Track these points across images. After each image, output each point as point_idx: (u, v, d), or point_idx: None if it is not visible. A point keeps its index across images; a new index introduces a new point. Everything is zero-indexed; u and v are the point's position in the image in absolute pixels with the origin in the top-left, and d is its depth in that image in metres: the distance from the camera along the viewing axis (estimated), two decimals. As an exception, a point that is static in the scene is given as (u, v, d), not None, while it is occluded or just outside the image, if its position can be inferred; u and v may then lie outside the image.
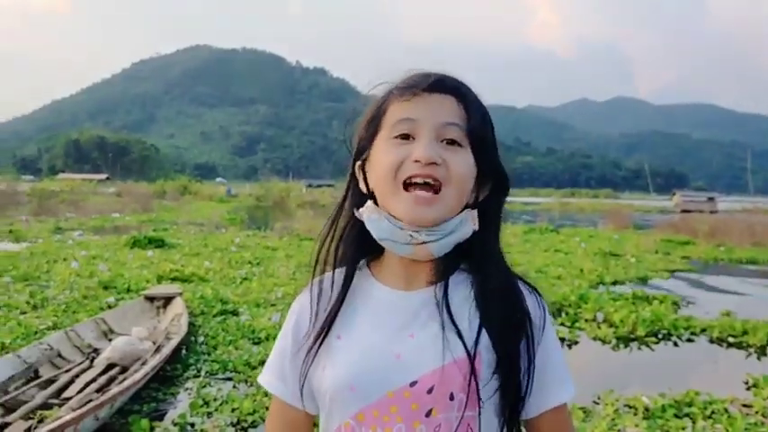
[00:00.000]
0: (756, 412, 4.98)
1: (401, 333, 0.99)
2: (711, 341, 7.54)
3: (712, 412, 4.91)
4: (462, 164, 0.98)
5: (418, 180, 0.95)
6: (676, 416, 4.85)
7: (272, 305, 8.54)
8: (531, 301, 1.04)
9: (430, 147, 0.96)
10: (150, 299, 7.68)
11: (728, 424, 4.63)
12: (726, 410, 4.95)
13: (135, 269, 11.34)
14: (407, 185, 0.96)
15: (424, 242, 0.97)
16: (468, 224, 1.01)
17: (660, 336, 7.63)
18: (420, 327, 0.99)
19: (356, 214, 1.05)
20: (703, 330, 7.80)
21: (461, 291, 1.02)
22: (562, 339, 7.25)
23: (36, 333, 6.73)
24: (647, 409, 4.94)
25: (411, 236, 0.97)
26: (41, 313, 7.77)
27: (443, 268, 1.03)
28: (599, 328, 7.71)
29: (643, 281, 11.98)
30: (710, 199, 55.78)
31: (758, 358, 6.95)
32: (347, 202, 1.10)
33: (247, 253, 14.26)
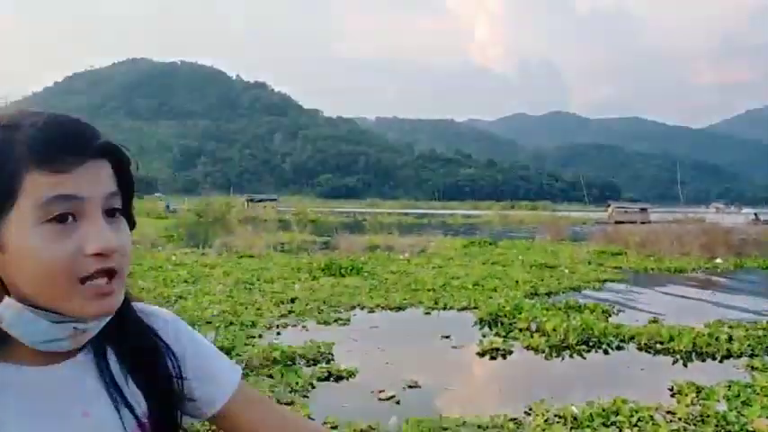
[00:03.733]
0: (680, 419, 5.14)
1: (71, 414, 0.86)
2: (640, 348, 7.78)
3: (638, 420, 5.05)
4: (129, 239, 0.86)
5: (100, 274, 0.81)
6: (604, 424, 4.97)
7: (208, 323, 8.37)
8: (160, 325, 0.99)
9: (106, 233, 0.80)
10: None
11: (653, 431, 4.78)
12: (651, 418, 5.09)
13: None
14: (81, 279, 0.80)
15: (85, 330, 0.84)
16: (121, 294, 0.88)
17: (591, 344, 7.83)
18: (88, 402, 0.88)
19: None
20: (632, 338, 8.04)
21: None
22: (496, 350, 7.37)
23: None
24: (575, 419, 5.05)
25: (75, 328, 0.83)
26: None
27: None
28: (532, 337, 7.85)
29: (576, 291, 12.30)
30: (643, 210, 57.70)
31: (684, 364, 7.20)
32: None
33: (184, 271, 13.94)
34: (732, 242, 21.86)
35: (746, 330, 8.30)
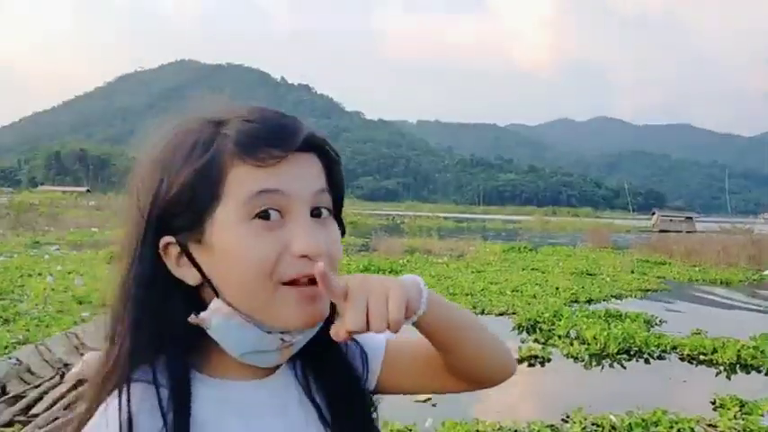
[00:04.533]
0: None
1: None
2: (682, 359, 7.65)
3: (679, 431, 4.98)
4: (338, 240, 0.80)
5: (303, 280, 0.74)
6: (642, 434, 4.92)
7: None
8: (357, 361, 0.92)
9: (313, 233, 0.75)
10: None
11: (693, 442, 4.71)
12: (692, 430, 5.02)
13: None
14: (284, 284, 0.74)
15: (292, 343, 0.79)
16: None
17: (632, 353, 7.73)
18: (297, 419, 0.84)
19: (194, 321, 0.75)
20: (674, 348, 7.91)
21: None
22: (535, 356, 7.33)
23: (6, 347, 6.66)
24: (613, 428, 5.00)
25: (283, 340, 0.77)
26: (12, 327, 7.69)
27: None
28: (572, 345, 7.79)
29: (618, 299, 12.12)
30: (688, 219, 56.41)
31: (727, 377, 7.06)
32: (141, 290, 0.77)
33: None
34: (782, 254, 21.22)
35: (794, 345, 8.06)
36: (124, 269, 0.78)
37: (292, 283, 0.74)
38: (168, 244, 0.76)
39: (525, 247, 23.42)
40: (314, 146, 0.78)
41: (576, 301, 11.38)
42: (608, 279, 14.81)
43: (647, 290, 13.64)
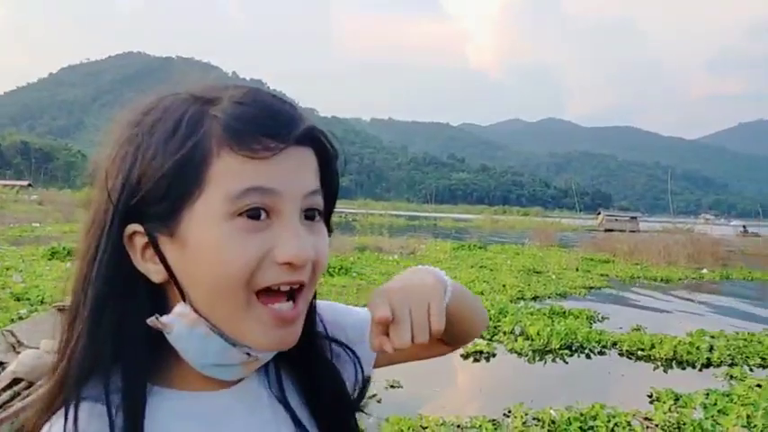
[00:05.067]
0: (656, 425, 5.21)
1: None
2: (621, 354, 7.86)
3: (615, 425, 5.11)
4: (326, 246, 0.73)
5: (283, 288, 0.68)
6: (581, 429, 5.02)
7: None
8: (349, 372, 0.86)
9: (302, 237, 0.67)
10: (64, 310, 7.40)
11: (629, 435, 4.84)
12: (628, 423, 5.16)
13: (52, 281, 10.90)
14: (259, 292, 0.67)
15: (257, 358, 0.72)
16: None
17: (574, 349, 7.91)
18: (276, 429, 0.77)
19: (153, 324, 0.67)
20: (614, 344, 8.12)
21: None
22: (480, 352, 7.43)
23: (-66, 347, 6.38)
24: (553, 422, 5.10)
25: (248, 354, 0.70)
26: (-57, 326, 7.37)
27: None
28: (516, 341, 7.93)
29: (562, 297, 12.38)
30: (633, 218, 58.12)
31: (664, 371, 7.29)
32: (100, 283, 0.68)
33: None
34: (719, 253, 22.06)
35: (728, 340, 8.38)
36: (84, 263, 0.69)
37: (267, 290, 0.67)
38: (135, 233, 0.67)
39: (475, 246, 23.70)
40: (313, 139, 0.70)
41: (522, 299, 11.58)
42: (554, 277, 15.12)
43: (591, 287, 13.98)
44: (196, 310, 0.67)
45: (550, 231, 32.28)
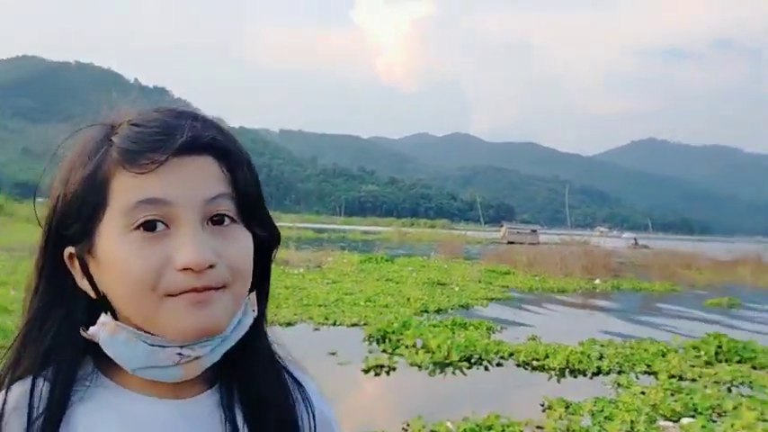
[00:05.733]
0: (547, 433, 5.40)
1: None
2: (518, 365, 8.10)
3: (509, 434, 5.25)
4: (243, 250, 0.73)
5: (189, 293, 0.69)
6: (476, 439, 5.13)
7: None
8: (300, 410, 0.84)
9: (199, 242, 0.68)
10: None
11: (521, 444, 4.98)
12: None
13: None
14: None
15: (197, 357, 0.72)
16: (249, 314, 0.77)
17: (473, 360, 8.08)
18: None
19: (85, 335, 0.72)
20: (511, 354, 8.36)
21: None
22: (381, 366, 7.45)
23: None
24: (449, 434, 5.18)
25: (180, 354, 0.71)
26: None
27: (215, 364, 0.76)
28: (417, 354, 8.01)
29: (465, 308, 12.67)
30: (533, 231, 60.35)
31: (557, 380, 7.57)
32: (42, 297, 0.76)
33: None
34: (611, 265, 23.30)
35: (616, 349, 8.81)
36: (34, 278, 0.76)
37: (178, 294, 0.68)
38: (71, 255, 0.74)
39: (382, 258, 23.89)
40: (206, 147, 0.71)
41: (426, 311, 11.75)
42: (457, 289, 15.46)
43: (492, 298, 14.38)
44: (123, 319, 0.71)
45: (456, 244, 33.06)
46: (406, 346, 8.38)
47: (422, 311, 11.65)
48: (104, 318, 0.72)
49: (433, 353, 8.05)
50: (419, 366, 7.67)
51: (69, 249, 0.73)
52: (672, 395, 6.57)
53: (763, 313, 14.65)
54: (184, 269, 0.67)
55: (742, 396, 6.70)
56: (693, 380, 7.49)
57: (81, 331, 0.72)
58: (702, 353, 8.60)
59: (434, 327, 9.44)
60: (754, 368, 8.18)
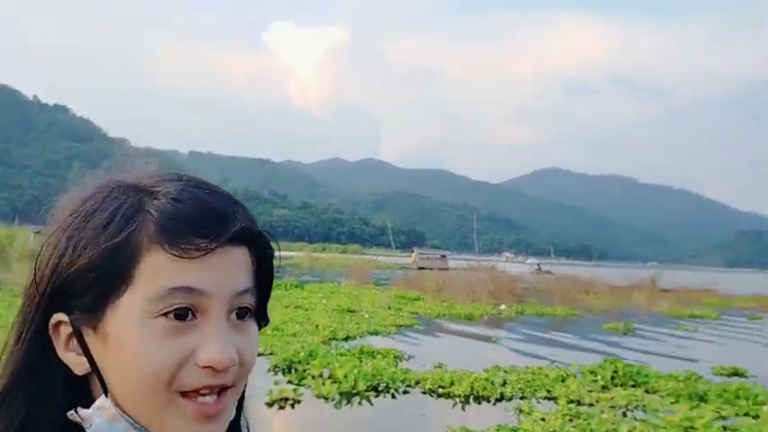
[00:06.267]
0: (451, 461, 5.42)
1: None
2: (424, 392, 8.14)
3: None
4: (256, 347, 0.71)
5: (205, 392, 0.65)
6: (380, 471, 5.08)
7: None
8: None
9: (225, 339, 0.65)
10: None
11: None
12: (425, 462, 5.31)
13: None
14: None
15: None
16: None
17: (380, 389, 8.05)
18: None
19: (73, 419, 0.64)
20: (417, 382, 8.39)
21: None
22: (285, 399, 7.28)
23: None
24: (353, 468, 5.10)
25: None
26: None
27: None
28: (324, 384, 7.89)
29: (374, 335, 12.65)
30: (443, 257, 61.49)
31: (462, 407, 7.65)
32: (17, 365, 0.67)
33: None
34: (516, 290, 24.00)
35: (519, 375, 9.03)
36: (12, 342, 0.68)
37: (191, 391, 0.63)
38: (60, 322, 0.65)
39: (292, 284, 23.59)
40: (247, 238, 0.67)
41: (334, 339, 11.64)
42: (366, 316, 15.43)
43: (401, 325, 14.44)
44: (117, 405, 0.64)
45: (367, 269, 33.11)
46: (313, 377, 8.25)
47: (330, 339, 11.54)
48: (104, 402, 0.65)
49: (340, 383, 7.95)
50: (325, 398, 7.55)
51: (59, 317, 0.65)
52: (570, 420, 6.78)
53: (655, 337, 15.46)
54: (206, 366, 0.63)
55: (636, 420, 7.00)
56: (591, 404, 7.77)
57: (74, 413, 0.64)
58: (599, 377, 8.95)
59: (342, 356, 9.35)
60: (648, 392, 8.59)
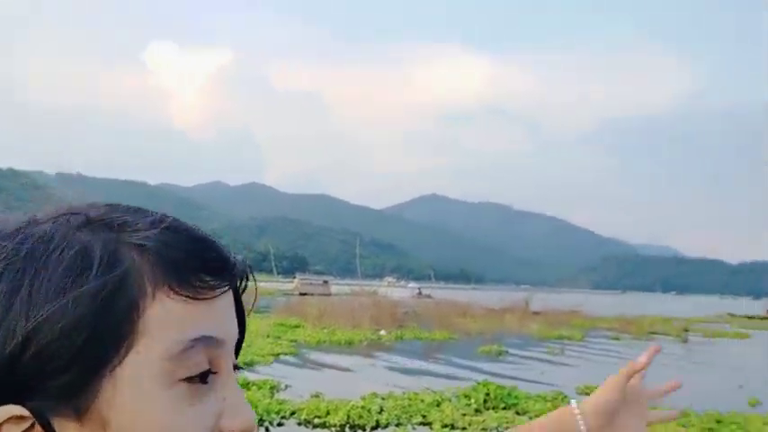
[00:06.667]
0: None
1: None
2: (300, 423, 7.97)
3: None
4: None
5: None
6: None
7: None
8: None
9: (245, 400, 0.56)
10: None
11: None
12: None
13: None
14: None
15: None
16: None
17: (254, 423, 7.78)
18: None
19: None
20: (293, 413, 8.22)
21: None
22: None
23: None
24: None
25: None
26: None
27: None
28: (194, 421, 7.53)
29: (249, 366, 12.27)
30: (325, 282, 61.22)
31: (337, 438, 7.55)
32: None
33: None
34: (397, 315, 24.26)
35: (395, 401, 9.07)
36: None
37: None
38: (11, 419, 0.47)
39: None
40: (244, 276, 0.59)
41: (208, 371, 11.20)
42: (244, 345, 14.99)
43: (280, 354, 14.15)
44: None
45: (247, 296, 32.27)
46: (182, 412, 7.86)
47: (204, 371, 11.09)
48: None
49: (211, 417, 7.62)
50: (194, 434, 7.20)
51: (13, 410, 0.47)
52: (443, 445, 6.86)
53: (525, 360, 16.12)
54: None
55: (504, 441, 7.19)
56: (464, 428, 7.92)
57: None
58: (473, 401, 9.17)
59: (215, 388, 8.99)
60: (518, 413, 8.89)
